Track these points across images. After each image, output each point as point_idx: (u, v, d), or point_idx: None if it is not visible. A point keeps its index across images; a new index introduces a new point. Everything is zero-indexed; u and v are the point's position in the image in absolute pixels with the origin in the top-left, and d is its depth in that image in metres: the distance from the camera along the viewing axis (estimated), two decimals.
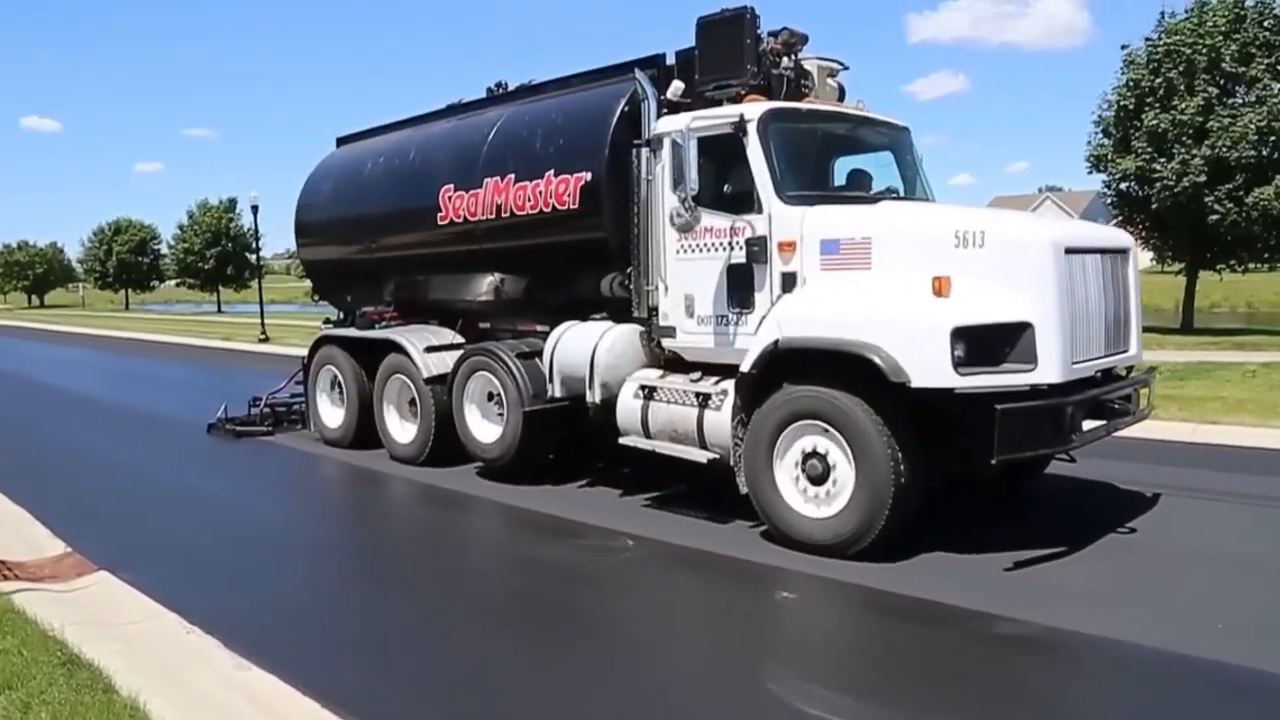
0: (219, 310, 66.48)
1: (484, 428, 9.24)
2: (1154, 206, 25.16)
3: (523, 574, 6.78)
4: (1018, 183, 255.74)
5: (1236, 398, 12.77)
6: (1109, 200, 27.74)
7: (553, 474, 9.15)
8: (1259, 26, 24.78)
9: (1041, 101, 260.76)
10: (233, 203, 69.96)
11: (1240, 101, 24.98)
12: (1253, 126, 23.53)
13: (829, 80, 8.50)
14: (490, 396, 9.28)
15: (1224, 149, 23.55)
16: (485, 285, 9.75)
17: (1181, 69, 24.63)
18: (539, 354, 8.90)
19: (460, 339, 10.12)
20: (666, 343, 7.86)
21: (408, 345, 9.92)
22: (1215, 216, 23.96)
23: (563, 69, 10.00)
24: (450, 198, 9.50)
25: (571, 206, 8.29)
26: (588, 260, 8.42)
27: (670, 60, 8.19)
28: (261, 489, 10.00)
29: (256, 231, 39.41)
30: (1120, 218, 26.81)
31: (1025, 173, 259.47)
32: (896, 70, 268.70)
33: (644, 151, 7.88)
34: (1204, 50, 24.60)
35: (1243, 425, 11.06)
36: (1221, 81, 24.84)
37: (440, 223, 9.63)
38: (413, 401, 10.19)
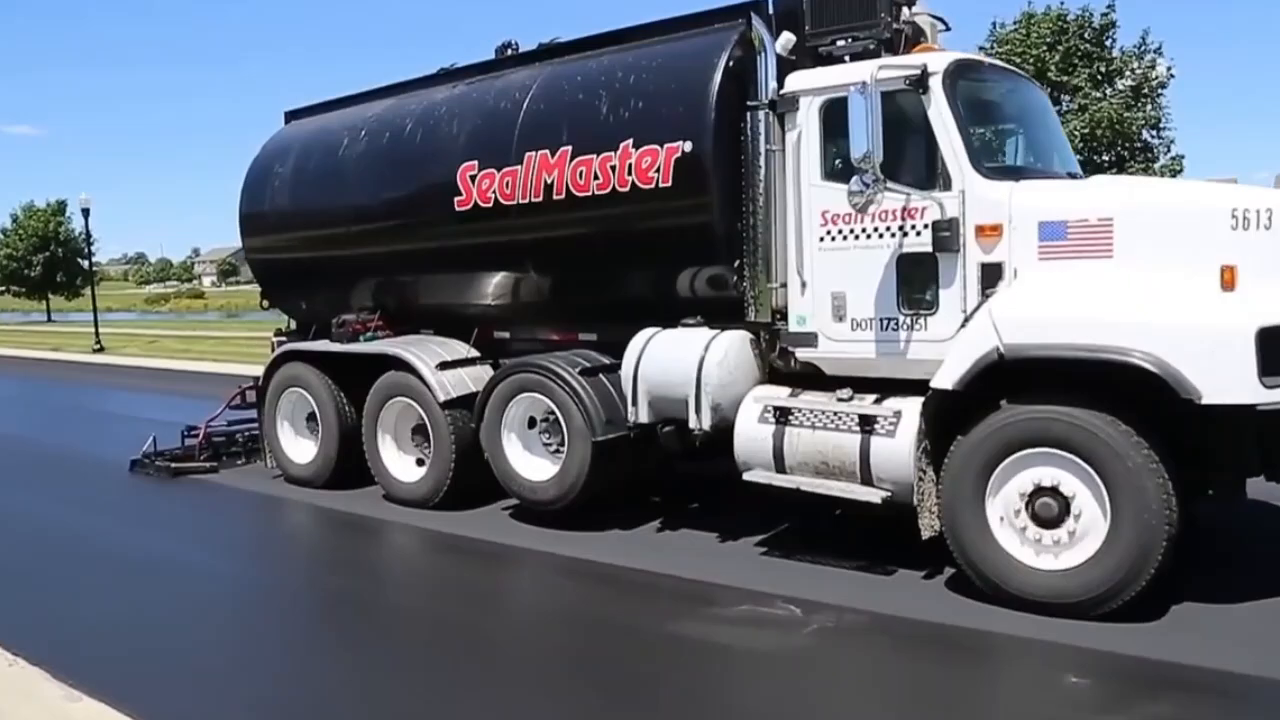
0: (49, 319, 59.96)
1: (532, 463, 7.44)
2: None
3: (683, 666, 5.07)
4: None
5: None
6: None
7: (607, 514, 7.46)
8: (1079, 38, 26.41)
9: None
10: (62, 205, 63.35)
11: (1064, 109, 26.30)
12: (1078, 133, 24.89)
13: (938, 39, 7.20)
14: (533, 423, 7.51)
15: None
16: (512, 285, 7.94)
17: None
18: (604, 370, 7.20)
19: (475, 352, 8.26)
20: (804, 353, 6.33)
21: (416, 361, 7.97)
22: None
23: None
24: (473, 178, 7.64)
25: (662, 184, 6.62)
26: (681, 251, 6.79)
27: (770, 9, 6.67)
28: (223, 546, 7.88)
29: (88, 235, 36.31)
30: None
31: None
32: None
33: (762, 116, 6.33)
34: (1031, 60, 25.77)
35: None
36: (1048, 90, 25.73)
37: (459, 209, 7.74)
38: (419, 430, 8.27)
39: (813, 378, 6.44)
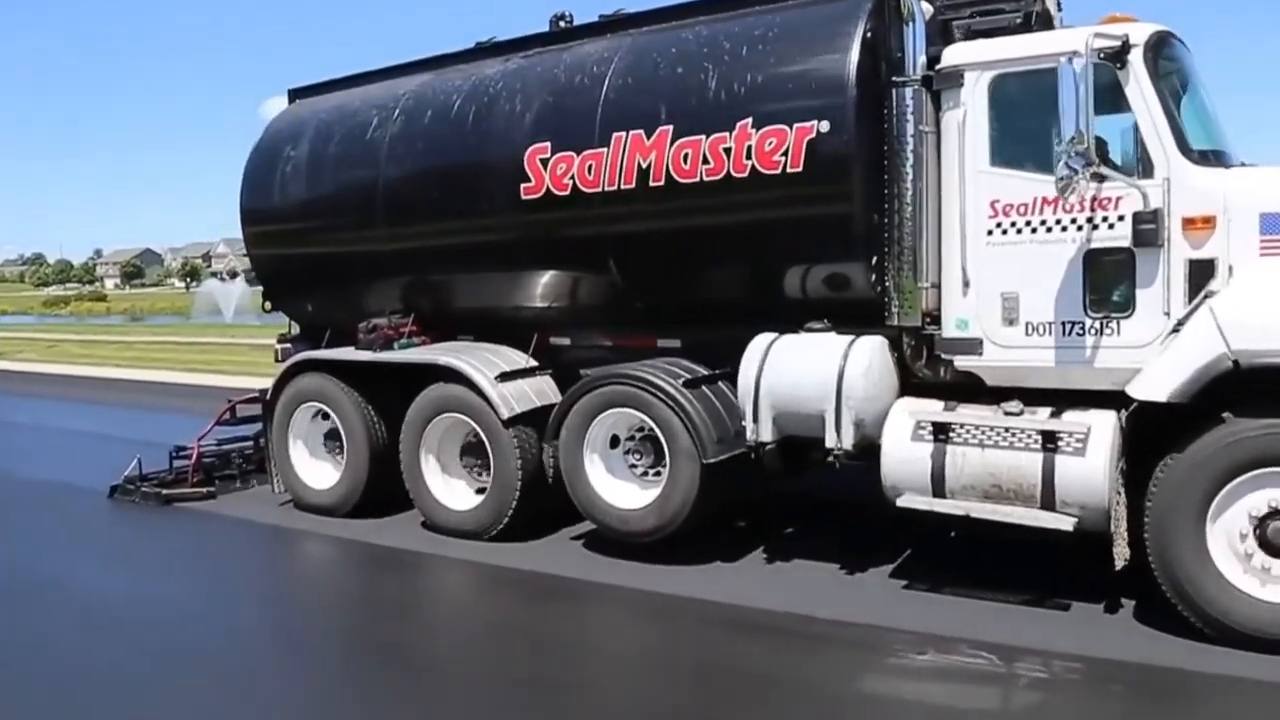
0: None
1: (619, 488, 6.52)
2: None
3: None
4: None
5: None
6: None
7: (697, 543, 6.54)
8: None
9: None
10: None
11: None
12: None
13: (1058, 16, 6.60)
14: (615, 442, 6.61)
15: None
16: (582, 283, 7.03)
17: None
18: (706, 380, 6.36)
19: (532, 361, 7.31)
20: (964, 362, 5.60)
21: (473, 373, 6.97)
22: None
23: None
24: (545, 162, 6.70)
25: (791, 169, 5.81)
26: (809, 245, 5.99)
27: None
28: (231, 589, 6.75)
29: None
30: None
31: None
32: None
33: (909, 93, 5.59)
34: None
35: None
36: None
37: (526, 196, 6.80)
38: (471, 450, 7.27)
39: (960, 389, 5.74)
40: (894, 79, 5.66)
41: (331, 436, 8.11)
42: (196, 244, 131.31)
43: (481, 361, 7.11)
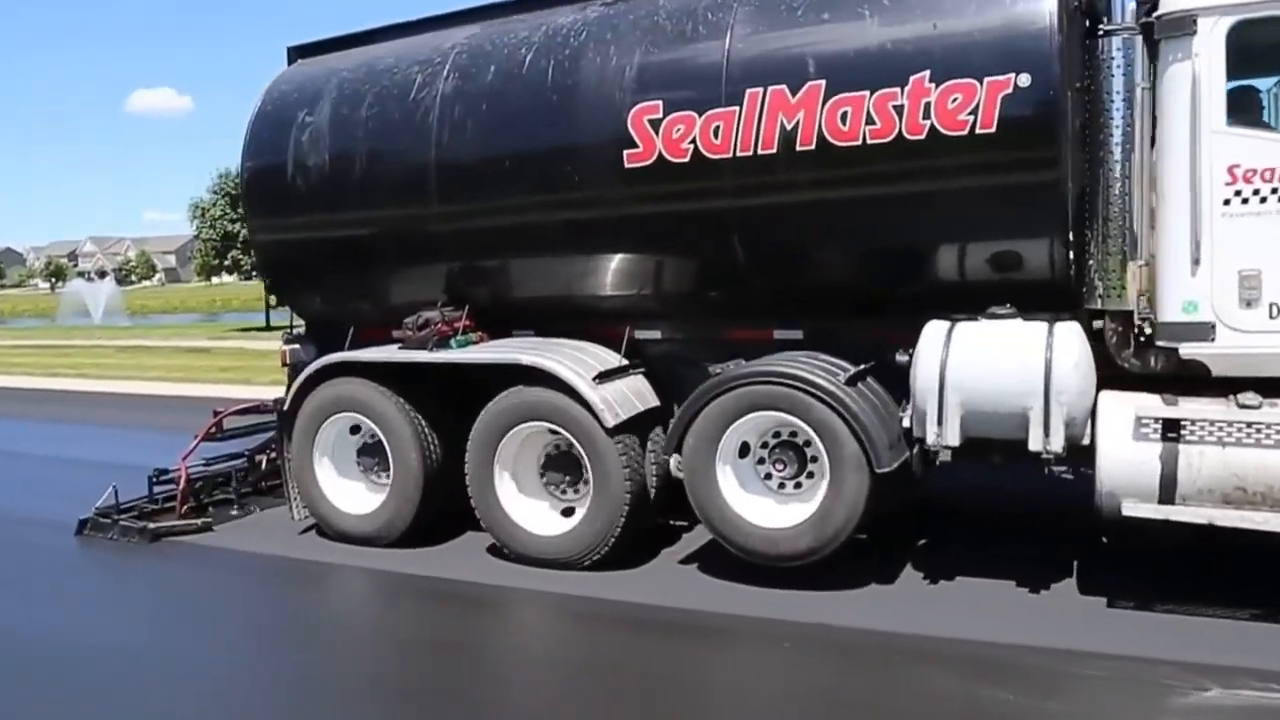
0: None
1: (757, 504, 5.60)
2: None
3: None
4: None
5: None
6: None
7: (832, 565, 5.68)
8: None
9: None
10: None
11: None
12: None
13: None
14: (744, 451, 5.69)
15: None
16: (688, 266, 6.11)
17: None
18: (862, 376, 5.51)
19: (624, 360, 6.30)
20: (1190, 349, 4.89)
21: (567, 373, 5.91)
22: None
23: None
24: (655, 124, 5.70)
25: (981, 130, 4.99)
26: (1000, 217, 5.20)
27: None
28: (260, 643, 5.58)
29: None
30: None
31: None
32: None
33: (1118, 44, 4.87)
34: None
35: None
36: None
37: (630, 164, 5.79)
38: (555, 465, 6.22)
39: (1168, 380, 5.07)
40: (1101, 26, 4.93)
41: (369, 452, 6.89)
42: (61, 242, 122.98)
43: (572, 360, 6.06)
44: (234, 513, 7.77)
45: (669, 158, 5.69)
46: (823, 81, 5.32)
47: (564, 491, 6.27)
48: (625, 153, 5.80)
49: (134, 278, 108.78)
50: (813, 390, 5.30)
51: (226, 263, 39.66)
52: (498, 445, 6.17)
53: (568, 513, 6.21)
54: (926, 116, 5.09)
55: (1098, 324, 5.25)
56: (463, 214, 6.46)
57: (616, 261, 6.24)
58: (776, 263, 5.81)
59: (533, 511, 6.26)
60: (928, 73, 5.10)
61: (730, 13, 5.71)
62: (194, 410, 15.38)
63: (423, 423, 6.57)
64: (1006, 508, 6.90)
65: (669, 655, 5.02)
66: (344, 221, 6.94)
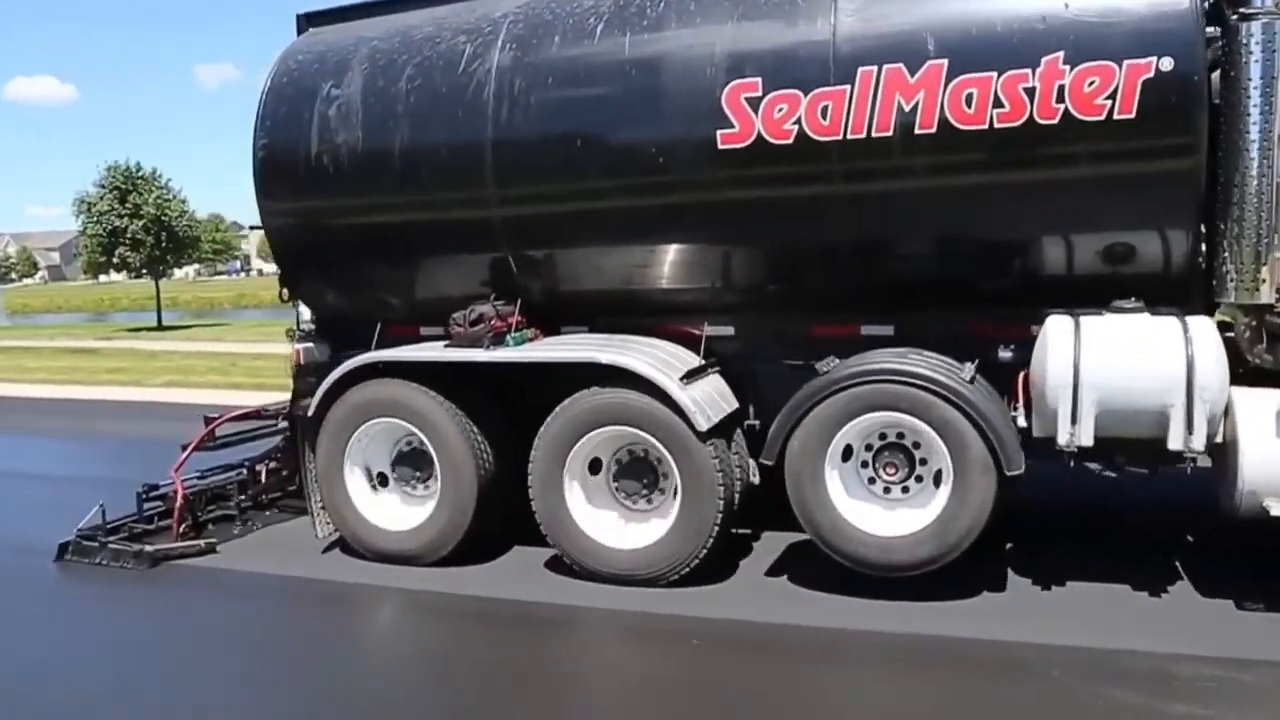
0: None
1: (865, 511, 5.25)
2: None
3: None
4: None
5: None
6: None
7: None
8: None
9: None
10: None
11: None
12: None
13: None
14: (845, 454, 5.33)
15: None
16: (783, 256, 5.70)
17: None
18: (970, 377, 5.22)
19: (703, 359, 5.86)
20: None
21: (655, 373, 5.43)
22: None
23: None
24: (754, 102, 5.28)
25: (1119, 115, 4.75)
26: (1135, 206, 4.98)
27: None
28: (302, 689, 4.83)
29: None
30: None
31: None
32: None
33: (1258, 27, 4.71)
34: None
35: None
36: None
37: (725, 145, 5.35)
38: (631, 472, 5.72)
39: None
40: (1240, 9, 4.77)
41: (407, 461, 6.25)
42: None
43: (652, 359, 5.59)
44: (236, 531, 6.98)
45: (770, 139, 5.29)
46: (944, 61, 5.00)
47: (635, 501, 5.80)
48: (719, 133, 5.36)
49: (14, 276, 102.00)
50: (937, 389, 4.98)
51: (114, 260, 37.14)
52: (569, 452, 5.64)
53: (639, 523, 5.74)
54: (1060, 100, 4.83)
55: (1220, 317, 5.13)
56: (523, 198, 5.91)
57: (696, 251, 5.81)
58: (882, 252, 5.48)
59: (604, 523, 5.75)
60: (1061, 54, 4.84)
61: None
62: (83, 414, 14.37)
63: (474, 428, 5.99)
64: (1051, 506, 6.78)
65: (768, 674, 4.62)
66: (379, 206, 6.28)
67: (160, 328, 35.62)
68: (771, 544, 6.19)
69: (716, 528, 5.45)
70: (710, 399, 5.55)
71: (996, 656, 4.70)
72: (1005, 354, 5.37)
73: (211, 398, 15.30)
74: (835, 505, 5.22)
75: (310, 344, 6.90)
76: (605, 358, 5.56)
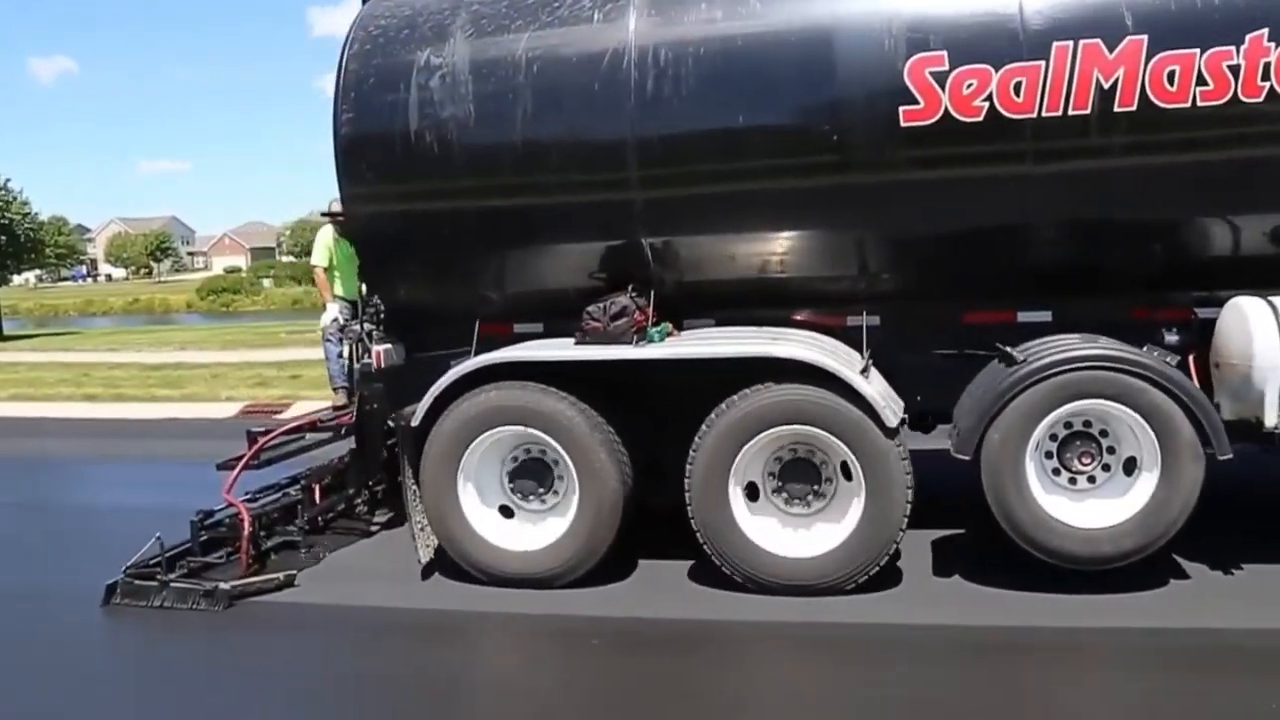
0: None
1: (1065, 504, 5.02)
2: None
3: None
4: None
5: None
6: None
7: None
8: None
9: None
10: None
11: None
12: None
13: None
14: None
15: None
16: (955, 239, 5.44)
17: None
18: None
19: (861, 353, 5.51)
20: None
21: (840, 369, 5.04)
22: None
23: None
24: (940, 77, 4.97)
25: None
26: None
27: None
28: None
29: None
30: None
31: None
32: (304, 65, 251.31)
33: None
34: None
35: None
36: None
37: (908, 123, 5.01)
38: (794, 474, 5.30)
39: None
40: None
41: (527, 474, 5.62)
42: None
43: (821, 353, 5.22)
44: (304, 558, 6.16)
45: (958, 116, 5.01)
46: (1144, 37, 4.86)
47: (796, 504, 5.41)
48: (901, 109, 5.05)
49: None
50: (1148, 373, 4.84)
51: None
52: (737, 455, 5.19)
53: (802, 529, 5.36)
54: (1266, 78, 4.78)
55: None
56: (671, 179, 5.42)
57: (855, 235, 5.49)
58: (1059, 234, 5.30)
59: (767, 530, 5.34)
60: (1266, 31, 4.78)
61: None
62: None
63: (613, 434, 5.45)
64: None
65: (1003, 680, 4.39)
66: (495, 188, 5.63)
67: (1, 337, 32.38)
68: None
69: (902, 531, 5.14)
70: (887, 394, 5.23)
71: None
72: (1171, 338, 5.30)
73: (65, 410, 14.10)
74: (1037, 499, 5.00)
75: (389, 345, 6.16)
76: (781, 351, 5.14)
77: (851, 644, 4.87)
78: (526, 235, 5.74)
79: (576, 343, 5.52)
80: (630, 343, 5.37)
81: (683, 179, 5.44)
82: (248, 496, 6.31)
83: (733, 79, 5.30)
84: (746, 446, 5.20)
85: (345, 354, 6.86)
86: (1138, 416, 4.89)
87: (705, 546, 5.30)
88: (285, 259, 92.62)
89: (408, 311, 6.19)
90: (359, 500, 6.84)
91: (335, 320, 7.44)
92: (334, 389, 7.54)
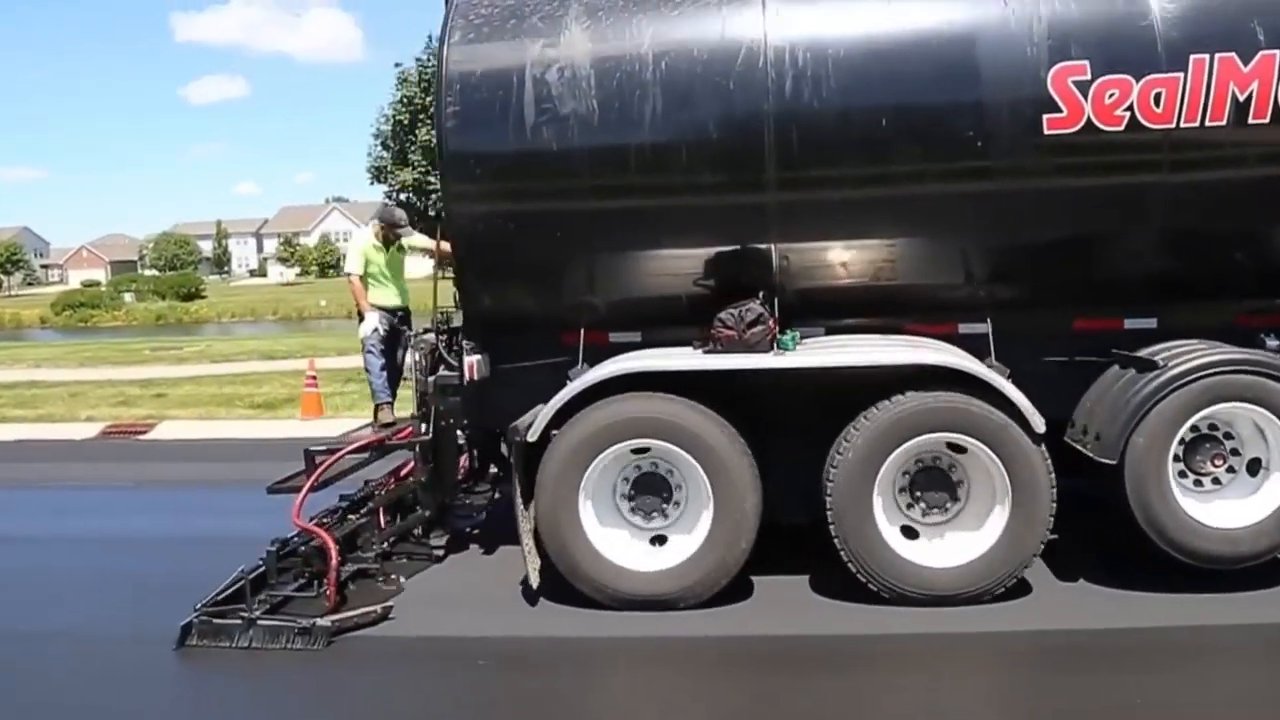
0: None
1: (1197, 505, 5.10)
2: (431, 214, 26.48)
3: None
4: (304, 193, 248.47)
5: None
6: None
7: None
8: None
9: (323, 113, 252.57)
10: None
11: None
12: None
13: None
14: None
15: None
16: (1075, 247, 5.51)
17: None
18: None
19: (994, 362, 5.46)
20: None
21: (989, 375, 5.01)
22: None
23: None
24: (1083, 86, 5.00)
25: None
26: None
27: None
28: None
29: None
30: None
31: (311, 183, 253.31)
32: (167, 71, 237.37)
33: None
34: None
35: None
36: None
37: (1053, 130, 5.02)
38: (924, 484, 5.20)
39: None
40: None
41: (647, 489, 5.33)
42: None
43: (974, 361, 5.18)
44: (382, 586, 5.65)
45: (1099, 125, 5.06)
46: (1275, 52, 5.04)
47: (927, 514, 5.32)
48: (1045, 117, 5.06)
49: None
50: None
51: None
52: (882, 464, 5.07)
53: (935, 539, 5.27)
54: None
55: None
56: (810, 183, 5.28)
57: (981, 242, 5.45)
58: (1181, 242, 5.41)
59: (900, 540, 5.24)
60: None
61: None
62: None
63: (745, 446, 5.22)
64: None
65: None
66: (618, 189, 5.34)
67: None
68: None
69: (1046, 536, 5.12)
70: (1027, 401, 5.21)
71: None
72: (1273, 343, 5.50)
73: None
74: (1179, 502, 5.08)
75: (480, 356, 5.75)
76: (932, 359, 5.07)
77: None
78: (646, 239, 5.48)
79: (706, 351, 5.29)
80: (766, 351, 5.18)
81: (823, 183, 5.31)
82: (311, 520, 5.74)
83: (875, 82, 5.17)
84: (892, 456, 5.09)
85: (408, 363, 6.38)
86: (1274, 418, 5.04)
87: (846, 558, 5.15)
88: (148, 272, 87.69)
89: (498, 319, 5.80)
90: (410, 522, 6.38)
91: (376, 330, 6.92)
92: (378, 405, 6.99)
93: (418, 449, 6.09)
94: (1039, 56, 5.09)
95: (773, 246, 5.41)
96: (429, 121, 27.18)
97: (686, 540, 5.26)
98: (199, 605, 5.05)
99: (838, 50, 5.19)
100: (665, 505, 5.36)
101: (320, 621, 5.00)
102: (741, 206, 5.34)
